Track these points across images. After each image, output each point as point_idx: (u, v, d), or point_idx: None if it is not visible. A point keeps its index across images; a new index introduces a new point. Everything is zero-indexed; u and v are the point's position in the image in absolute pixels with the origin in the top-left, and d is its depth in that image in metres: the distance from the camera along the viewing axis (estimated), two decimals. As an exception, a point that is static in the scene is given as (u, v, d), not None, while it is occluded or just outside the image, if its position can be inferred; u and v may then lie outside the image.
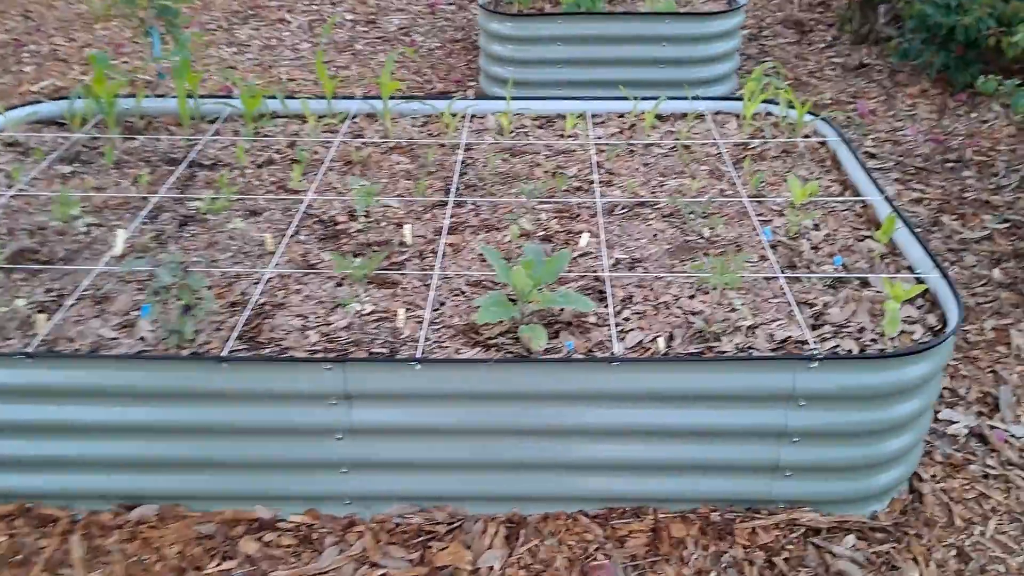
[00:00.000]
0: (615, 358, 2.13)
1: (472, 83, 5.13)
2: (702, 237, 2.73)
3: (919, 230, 3.49)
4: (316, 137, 3.35)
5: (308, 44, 5.67)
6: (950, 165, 4.36)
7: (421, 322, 2.35)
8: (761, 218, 2.83)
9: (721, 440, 2.24)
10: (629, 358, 2.17)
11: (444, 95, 4.97)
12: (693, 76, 4.48)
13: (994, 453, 2.64)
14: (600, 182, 3.05)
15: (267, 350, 2.24)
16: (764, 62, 5.58)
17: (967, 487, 2.51)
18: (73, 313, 2.38)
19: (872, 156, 4.44)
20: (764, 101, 3.49)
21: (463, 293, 2.48)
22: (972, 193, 4.10)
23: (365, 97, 3.56)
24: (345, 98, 3.56)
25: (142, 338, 2.28)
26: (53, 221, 2.78)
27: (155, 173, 3.10)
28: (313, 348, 2.25)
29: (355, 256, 2.62)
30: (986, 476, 2.55)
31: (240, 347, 2.25)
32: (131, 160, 3.19)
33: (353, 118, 3.51)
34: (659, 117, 3.50)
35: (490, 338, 2.30)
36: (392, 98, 3.48)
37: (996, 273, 3.52)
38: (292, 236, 2.72)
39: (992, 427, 2.73)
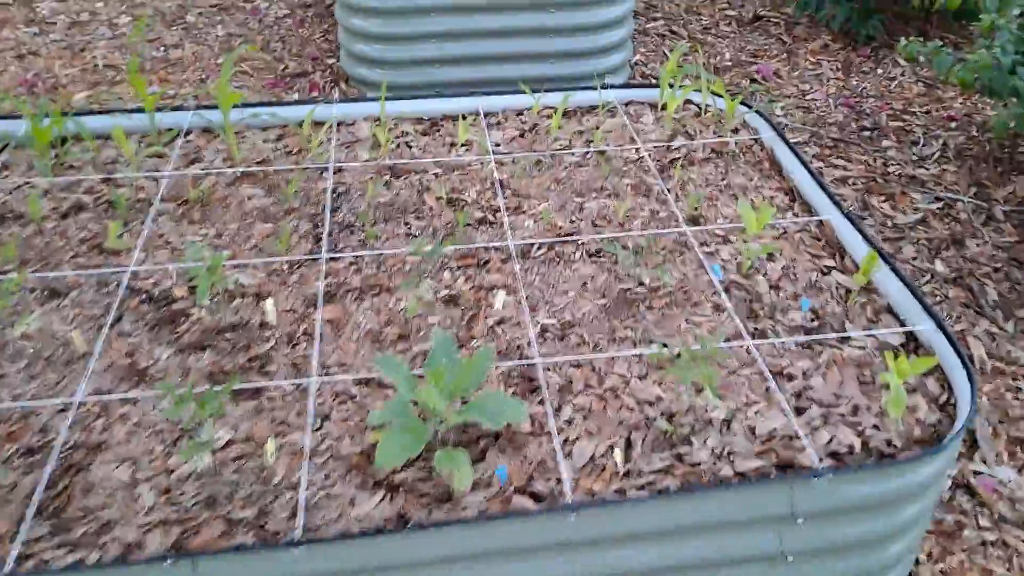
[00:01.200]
0: (572, 507, 1.60)
1: (331, 59, 4.39)
2: (641, 283, 2.21)
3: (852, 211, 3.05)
4: (138, 169, 2.60)
5: (128, 18, 4.74)
6: (867, 134, 4.01)
7: (299, 453, 1.74)
8: (704, 249, 2.34)
9: (700, 573, 1.77)
10: (590, 504, 1.64)
11: (300, 80, 4.22)
12: (586, 46, 3.91)
13: (984, 509, 2.30)
14: (507, 208, 2.48)
15: (80, 531, 1.59)
16: (655, 19, 5.10)
17: (968, 565, 2.15)
18: None
19: (785, 128, 4.03)
20: (694, 90, 2.99)
21: (352, 398, 1.89)
22: (896, 167, 3.76)
23: (198, 107, 2.82)
24: (174, 109, 2.81)
25: None
26: None
27: (-85, 237, 2.31)
28: (148, 521, 1.61)
29: (202, 350, 1.97)
30: (984, 544, 2.21)
31: (42, 531, 1.58)
32: None
33: (186, 135, 2.78)
34: (563, 112, 2.94)
35: (396, 472, 1.72)
36: (236, 106, 2.77)
37: (938, 265, 3.20)
38: (112, 327, 2.03)
39: (976, 472, 2.39)
